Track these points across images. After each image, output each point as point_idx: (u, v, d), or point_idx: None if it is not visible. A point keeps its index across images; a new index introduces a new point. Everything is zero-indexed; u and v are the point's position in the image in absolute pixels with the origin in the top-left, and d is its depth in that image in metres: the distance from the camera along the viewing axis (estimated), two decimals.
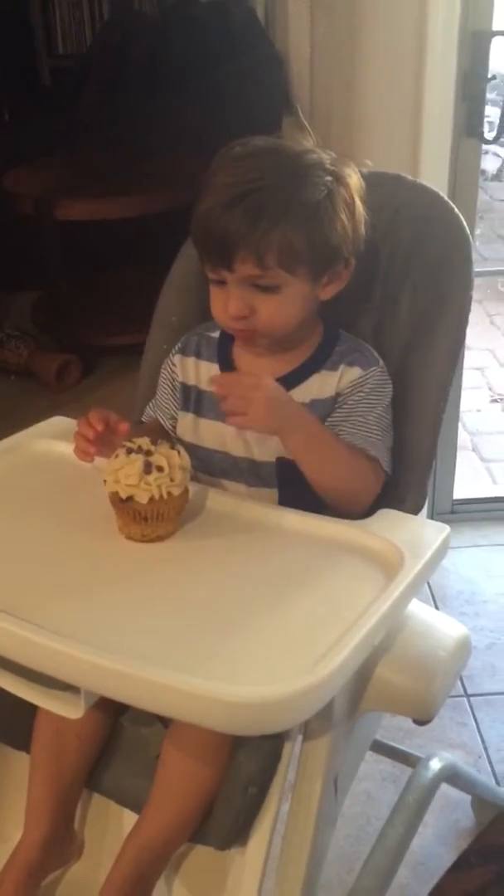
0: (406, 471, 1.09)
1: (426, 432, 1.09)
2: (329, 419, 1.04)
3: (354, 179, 1.02)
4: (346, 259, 1.02)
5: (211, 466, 1.06)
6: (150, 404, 1.16)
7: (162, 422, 1.14)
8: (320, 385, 1.05)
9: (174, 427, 1.12)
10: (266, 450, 1.04)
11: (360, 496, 1.02)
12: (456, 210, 1.10)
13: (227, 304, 1.00)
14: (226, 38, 2.67)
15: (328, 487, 1.01)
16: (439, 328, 1.10)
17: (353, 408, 1.03)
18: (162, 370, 1.15)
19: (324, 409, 1.04)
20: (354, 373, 1.04)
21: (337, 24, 1.69)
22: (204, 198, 0.98)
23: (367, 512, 1.01)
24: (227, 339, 1.10)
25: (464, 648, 0.95)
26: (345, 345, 1.07)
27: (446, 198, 1.12)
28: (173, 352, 1.14)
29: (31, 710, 1.00)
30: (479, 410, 2.68)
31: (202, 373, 1.11)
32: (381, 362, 1.06)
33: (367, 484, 1.02)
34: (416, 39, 1.52)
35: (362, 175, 1.10)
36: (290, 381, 1.05)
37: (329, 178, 0.99)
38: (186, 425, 1.10)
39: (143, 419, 1.17)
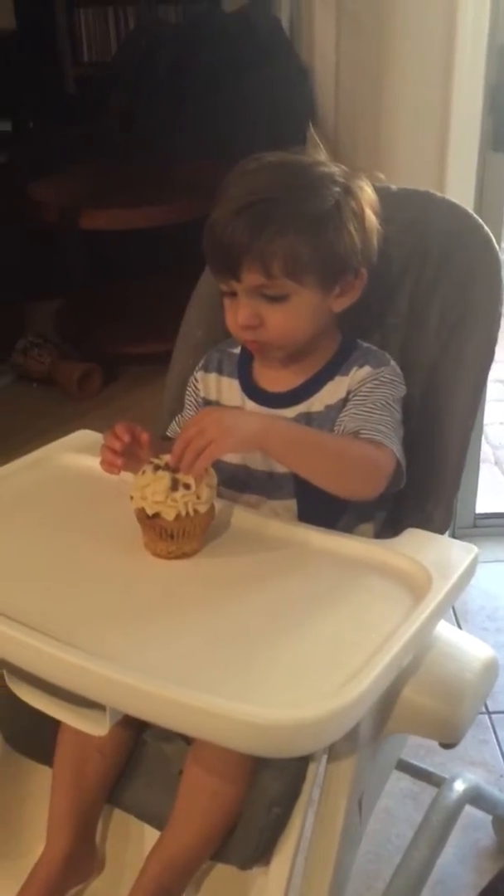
0: (433, 488, 1.09)
1: (454, 449, 1.09)
2: (340, 415, 1.03)
3: (367, 192, 1.02)
4: (357, 270, 1.02)
5: (231, 480, 1.06)
6: (176, 420, 1.16)
7: None
8: (333, 391, 1.04)
9: None
10: None
11: (363, 482, 0.98)
12: (485, 227, 1.10)
13: (237, 314, 1.00)
14: (251, 48, 2.67)
15: (327, 480, 0.97)
16: (468, 344, 1.09)
17: (361, 399, 1.02)
18: (188, 387, 1.15)
19: (338, 413, 1.03)
20: (365, 371, 1.04)
21: (363, 36, 1.69)
22: (214, 211, 0.99)
23: (395, 531, 1.00)
24: (247, 355, 1.10)
25: (491, 671, 0.95)
26: (360, 351, 1.07)
27: (475, 214, 1.12)
28: (196, 368, 1.14)
29: (54, 724, 0.99)
30: (501, 423, 2.66)
31: (224, 389, 1.11)
32: (394, 363, 1.05)
33: (370, 467, 0.98)
34: (443, 53, 1.51)
35: (392, 192, 1.10)
36: (305, 391, 1.05)
37: (337, 188, 0.99)
38: None
39: (168, 433, 1.17)
